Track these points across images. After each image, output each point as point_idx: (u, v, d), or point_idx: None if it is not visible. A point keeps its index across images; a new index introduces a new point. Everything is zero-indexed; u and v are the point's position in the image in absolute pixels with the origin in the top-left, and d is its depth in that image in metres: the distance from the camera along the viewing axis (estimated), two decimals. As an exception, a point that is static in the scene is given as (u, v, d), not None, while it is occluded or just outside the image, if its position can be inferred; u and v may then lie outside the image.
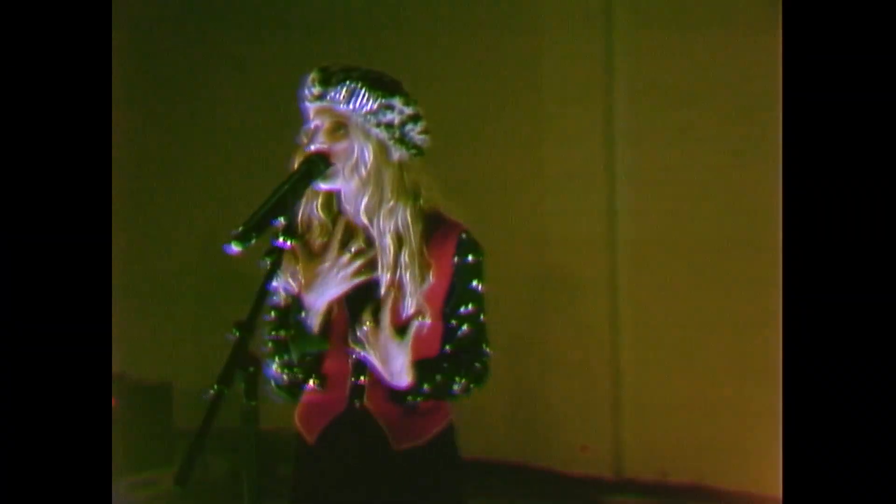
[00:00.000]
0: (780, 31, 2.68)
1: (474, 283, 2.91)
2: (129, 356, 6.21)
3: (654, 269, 6.02)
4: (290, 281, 2.89)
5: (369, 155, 2.82)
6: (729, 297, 5.75)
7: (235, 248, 2.58)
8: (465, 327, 2.90)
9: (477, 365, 2.92)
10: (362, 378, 2.87)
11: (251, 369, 2.46)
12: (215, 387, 2.34)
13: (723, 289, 5.79)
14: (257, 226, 2.60)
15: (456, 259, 2.89)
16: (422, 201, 2.89)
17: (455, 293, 2.90)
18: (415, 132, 2.88)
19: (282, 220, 2.64)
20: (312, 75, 2.85)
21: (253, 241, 2.58)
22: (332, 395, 2.91)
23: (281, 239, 2.63)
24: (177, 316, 7.19)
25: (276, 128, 5.79)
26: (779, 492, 2.74)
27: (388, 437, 2.87)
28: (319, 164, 2.79)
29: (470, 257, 2.90)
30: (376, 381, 2.85)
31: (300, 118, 2.88)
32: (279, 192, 2.69)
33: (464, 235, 2.90)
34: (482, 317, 2.93)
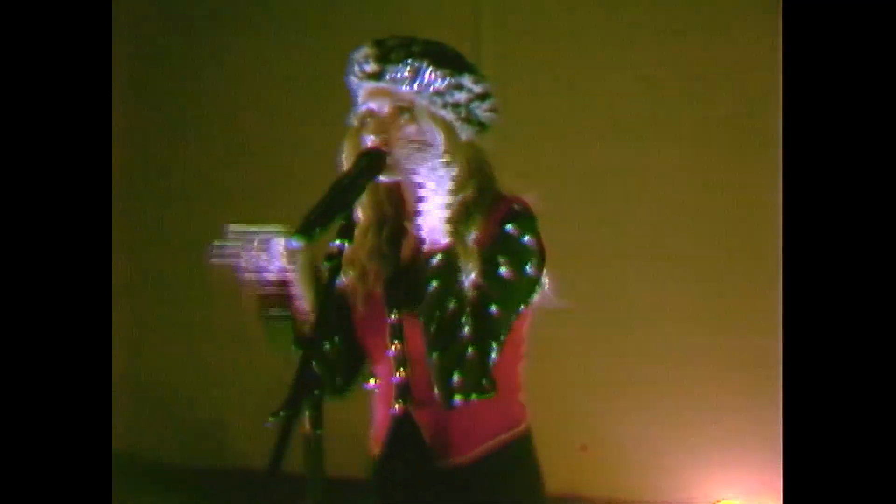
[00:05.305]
0: (780, 31, 2.70)
1: (500, 259, 2.43)
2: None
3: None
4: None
5: (438, 141, 2.47)
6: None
7: (298, 241, 2.33)
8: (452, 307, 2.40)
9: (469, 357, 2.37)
10: (402, 371, 2.50)
11: (317, 392, 2.20)
12: (281, 413, 2.05)
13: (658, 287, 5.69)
14: (321, 217, 2.31)
15: (499, 228, 2.45)
16: (495, 184, 2.52)
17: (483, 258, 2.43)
18: (481, 109, 2.53)
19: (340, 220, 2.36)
20: (367, 50, 2.50)
21: (317, 236, 2.32)
22: (381, 398, 2.57)
23: (338, 241, 2.35)
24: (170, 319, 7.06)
25: (279, 128, 5.82)
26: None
27: (433, 450, 2.48)
28: (382, 157, 2.46)
29: (511, 227, 2.45)
30: (419, 375, 2.47)
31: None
32: (338, 188, 2.39)
33: (515, 206, 2.48)
34: (494, 307, 2.39)
